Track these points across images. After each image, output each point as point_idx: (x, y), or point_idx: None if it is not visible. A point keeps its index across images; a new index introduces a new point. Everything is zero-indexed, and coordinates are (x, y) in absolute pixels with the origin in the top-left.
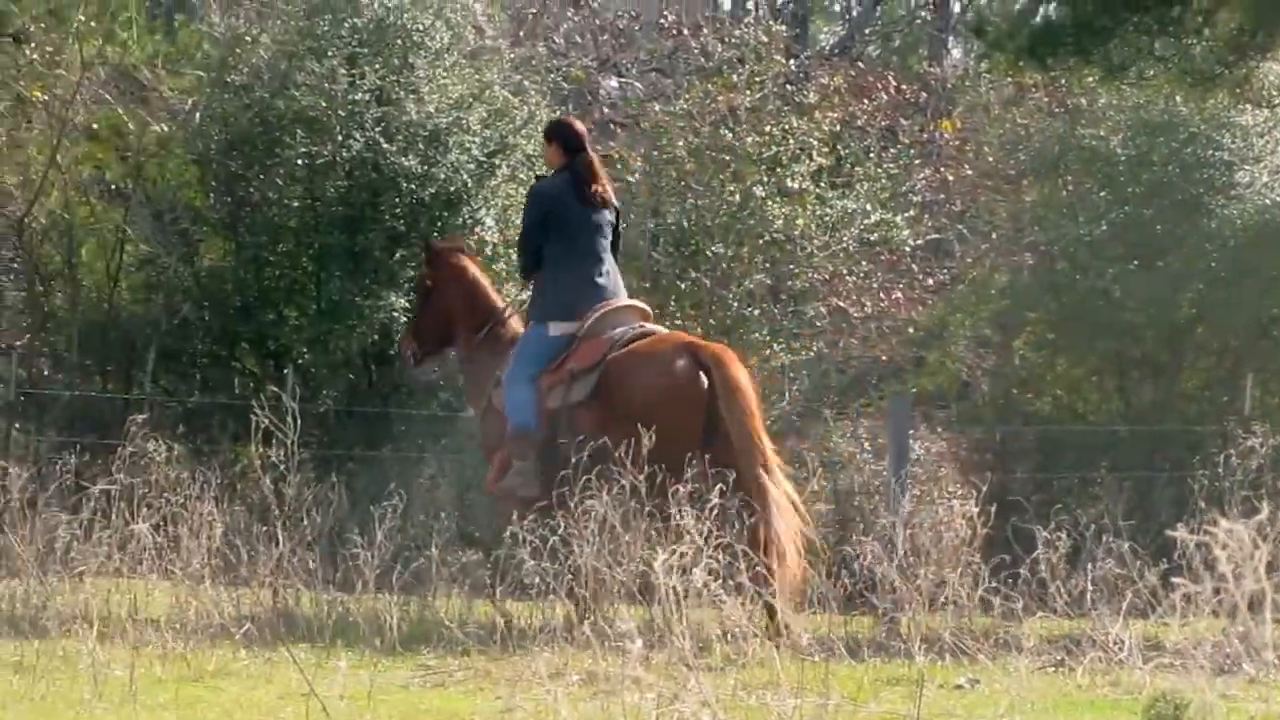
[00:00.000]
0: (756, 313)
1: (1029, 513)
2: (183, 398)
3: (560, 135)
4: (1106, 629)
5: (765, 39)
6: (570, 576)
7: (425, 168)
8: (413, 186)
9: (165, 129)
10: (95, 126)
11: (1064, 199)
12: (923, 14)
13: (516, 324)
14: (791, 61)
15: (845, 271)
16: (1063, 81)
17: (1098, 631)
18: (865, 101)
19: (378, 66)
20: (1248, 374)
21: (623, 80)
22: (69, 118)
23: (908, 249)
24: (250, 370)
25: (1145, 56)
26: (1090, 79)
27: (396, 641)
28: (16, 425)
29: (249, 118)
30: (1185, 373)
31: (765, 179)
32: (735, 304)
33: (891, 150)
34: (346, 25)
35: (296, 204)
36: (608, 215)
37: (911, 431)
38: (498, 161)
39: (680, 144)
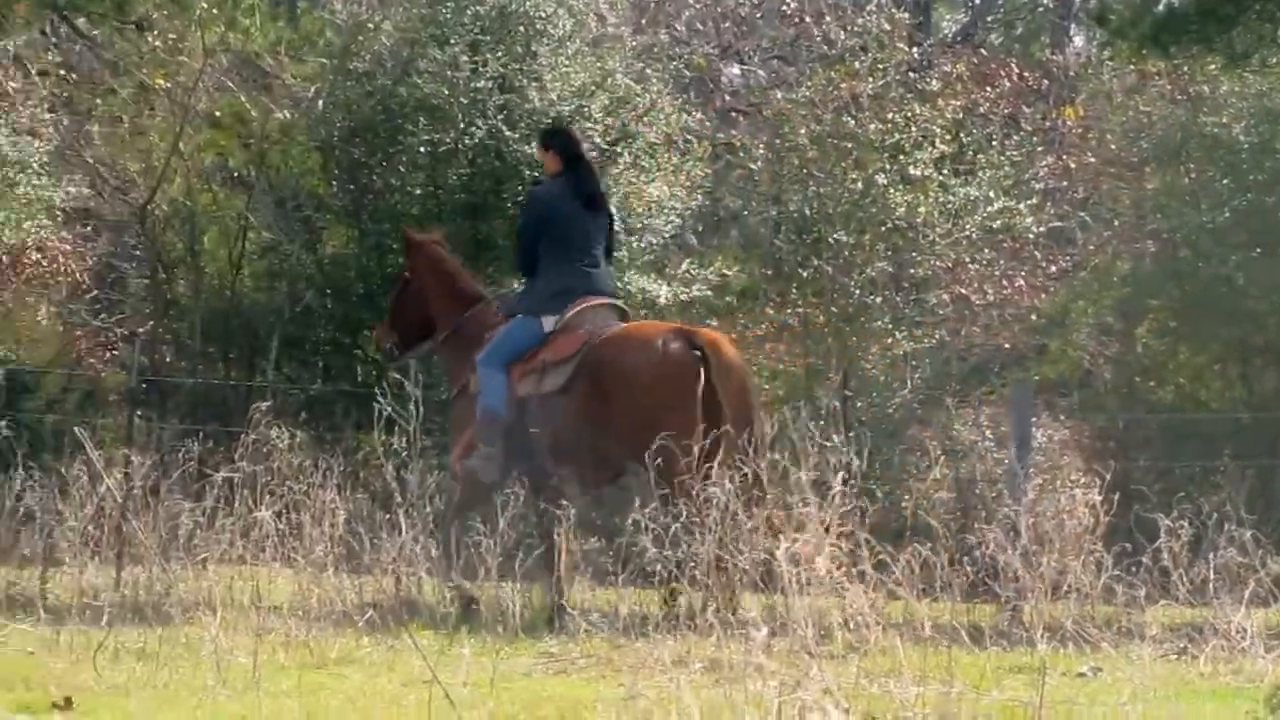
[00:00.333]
0: (878, 300)
1: (1151, 501)
2: (305, 385)
3: (558, 143)
4: (1228, 617)
5: (888, 26)
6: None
7: None
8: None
9: (288, 116)
10: (218, 114)
11: (1186, 186)
12: (1045, 1)
13: (494, 312)
14: (914, 49)
15: (967, 259)
16: (1185, 69)
17: (1220, 620)
18: (988, 89)
19: (500, 54)
20: None
21: (745, 68)
22: (191, 105)
23: (1030, 236)
24: (372, 358)
25: (1268, 44)
26: (1213, 66)
27: (519, 629)
28: (139, 413)
29: (371, 105)
30: None
31: (888, 166)
32: (857, 291)
33: (1014, 138)
34: (469, 12)
35: (419, 191)
36: (603, 220)
37: (1034, 419)
38: (620, 149)
39: (803, 131)
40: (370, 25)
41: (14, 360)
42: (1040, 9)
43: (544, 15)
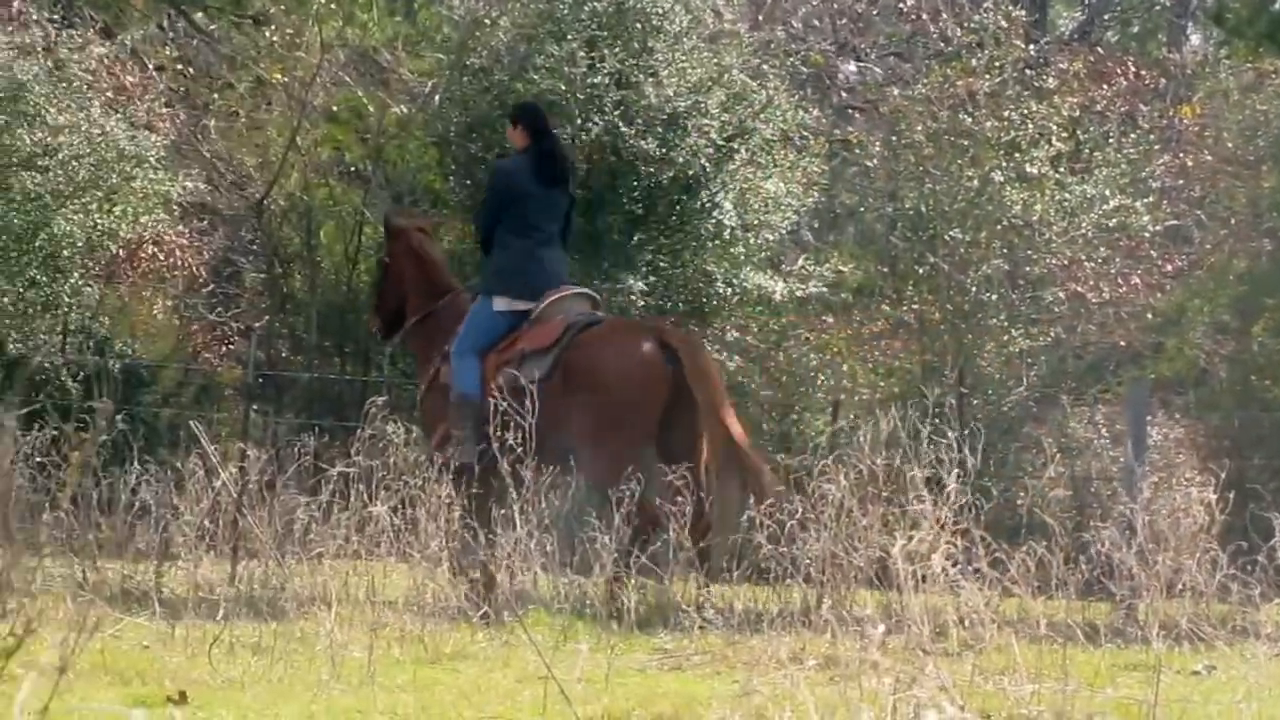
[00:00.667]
0: (994, 298)
1: (1266, 499)
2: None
3: (526, 118)
4: None
5: (1004, 24)
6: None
7: (663, 151)
8: (651, 170)
9: (405, 111)
10: (335, 108)
11: None
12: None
13: (466, 301)
14: (1031, 46)
15: (1084, 257)
16: None
17: None
18: (1104, 87)
19: (617, 50)
20: None
21: (861, 64)
22: (309, 100)
23: (1146, 235)
24: None
25: None
26: None
27: (634, 624)
28: (255, 407)
29: (488, 101)
30: None
31: (1004, 164)
32: (973, 289)
33: (1131, 136)
34: (586, 9)
35: None
36: (562, 198)
37: (1149, 418)
38: (736, 145)
39: (919, 128)
40: (487, 21)
41: (130, 354)
42: (1157, 7)
43: (661, 11)
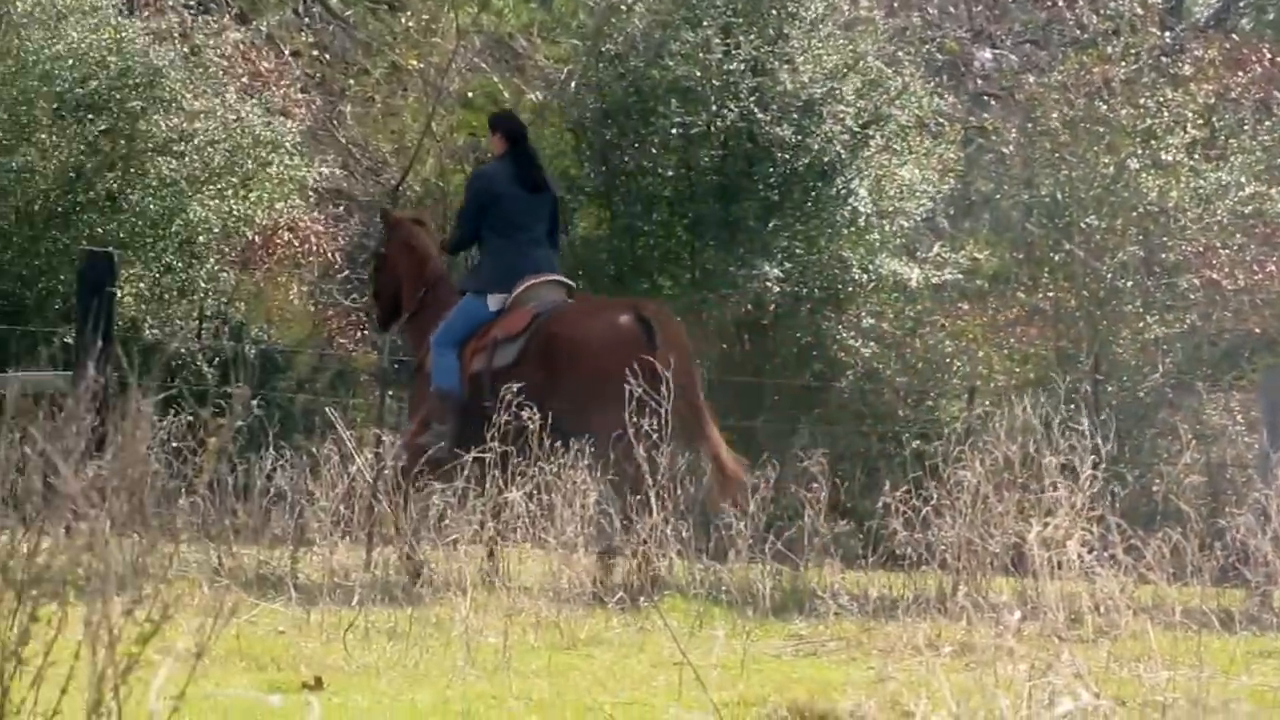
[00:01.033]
0: (1129, 285)
1: None
2: None
3: (504, 126)
4: None
5: (1140, 11)
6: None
7: (799, 138)
8: (786, 156)
9: (540, 97)
10: (470, 95)
11: None
12: None
13: (453, 290)
14: (1166, 34)
15: (1219, 244)
16: None
17: None
18: (1240, 74)
19: (753, 36)
20: None
21: (997, 51)
22: (444, 86)
23: None
24: None
25: None
26: None
27: (769, 610)
28: (390, 393)
29: (623, 87)
30: None
31: (1139, 151)
32: (1108, 276)
33: (1266, 122)
34: None
35: (670, 173)
36: (546, 201)
37: None
38: (871, 132)
39: (1054, 116)
40: (623, 7)
41: (266, 340)
42: None
43: None
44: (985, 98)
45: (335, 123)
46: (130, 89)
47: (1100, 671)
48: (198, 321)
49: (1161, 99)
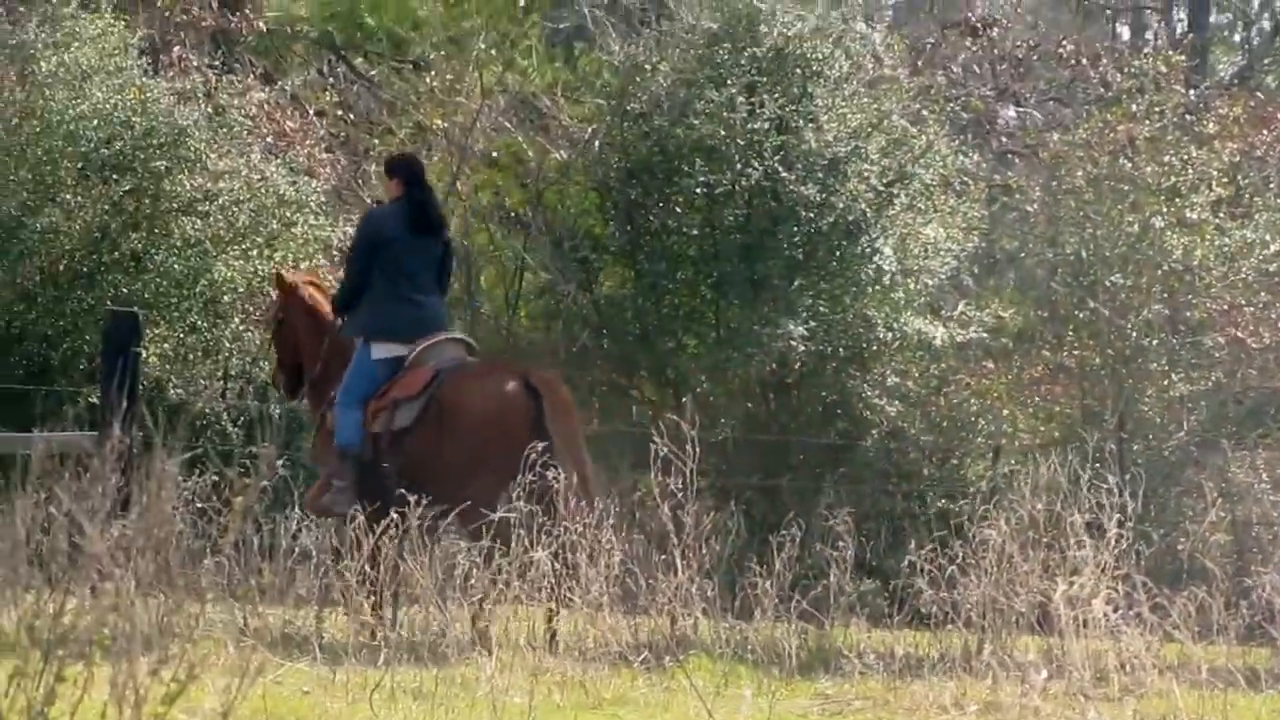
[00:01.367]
0: (1154, 343)
1: None
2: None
3: (402, 170)
4: None
5: (1164, 69)
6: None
7: (824, 196)
8: (811, 215)
9: (565, 156)
10: (495, 154)
11: None
12: None
13: (349, 344)
14: (1191, 91)
15: (1244, 302)
16: None
17: None
18: (1265, 131)
19: (777, 95)
20: None
21: (1021, 110)
22: (469, 145)
23: None
24: (648, 398)
25: None
26: None
27: (794, 670)
28: None
29: (648, 146)
30: None
31: (1164, 209)
32: (1133, 334)
33: None
34: (746, 54)
35: (695, 232)
36: (436, 247)
37: None
38: (896, 190)
39: (1079, 174)
40: (647, 67)
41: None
42: None
43: (820, 57)
44: (1010, 156)
45: (360, 182)
46: (155, 149)
47: None
48: (222, 381)
49: (1186, 157)
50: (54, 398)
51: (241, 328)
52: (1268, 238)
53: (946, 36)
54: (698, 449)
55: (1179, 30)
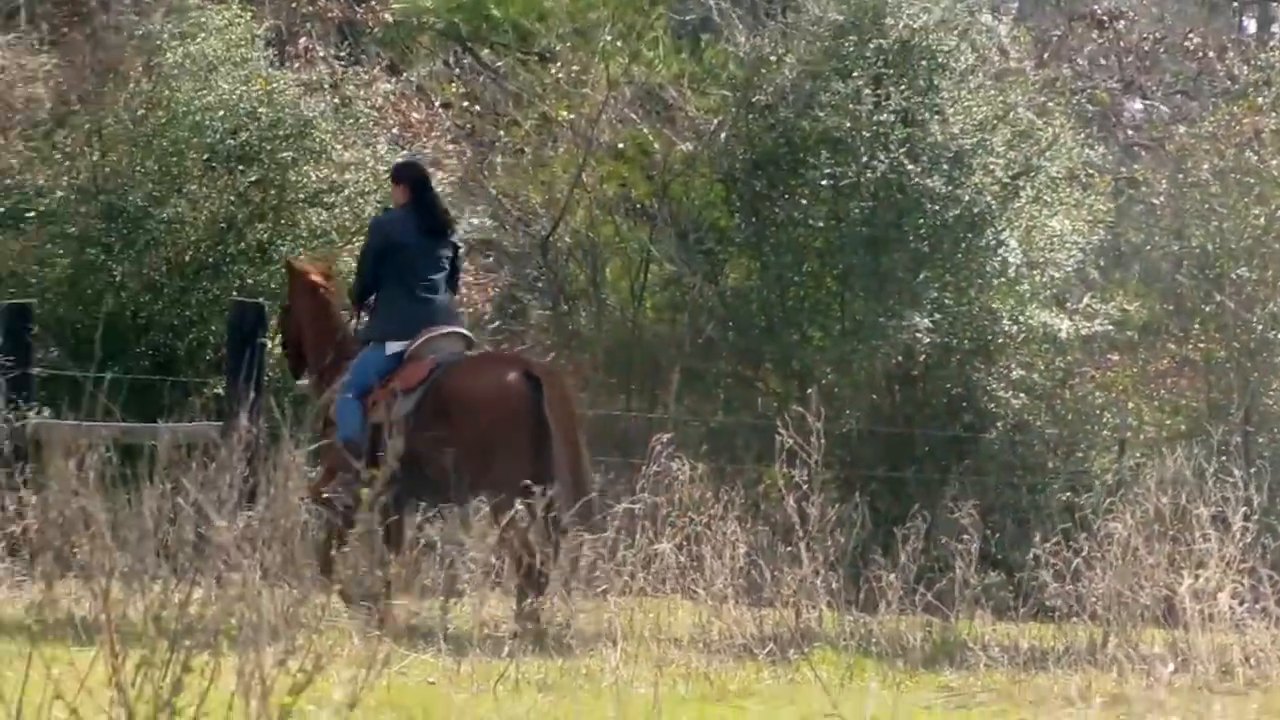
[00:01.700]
0: None
1: None
2: (706, 417)
3: (407, 176)
4: None
5: None
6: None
7: (949, 189)
8: (936, 208)
9: (690, 148)
10: (621, 145)
11: None
12: None
13: (354, 343)
14: None
15: None
16: None
17: None
18: None
19: (903, 87)
20: None
21: (1147, 103)
22: (594, 136)
23: None
24: (773, 390)
25: None
26: None
27: (919, 662)
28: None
29: (774, 138)
30: None
31: None
32: (1259, 327)
33: None
34: (872, 46)
35: (820, 224)
36: (446, 249)
37: None
38: (1022, 183)
39: (1205, 166)
40: (773, 58)
41: None
42: None
43: (946, 49)
44: (1135, 149)
45: (485, 174)
46: (281, 140)
47: None
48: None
49: None
50: (180, 389)
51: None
52: None
53: (1073, 29)
54: (822, 441)
55: None
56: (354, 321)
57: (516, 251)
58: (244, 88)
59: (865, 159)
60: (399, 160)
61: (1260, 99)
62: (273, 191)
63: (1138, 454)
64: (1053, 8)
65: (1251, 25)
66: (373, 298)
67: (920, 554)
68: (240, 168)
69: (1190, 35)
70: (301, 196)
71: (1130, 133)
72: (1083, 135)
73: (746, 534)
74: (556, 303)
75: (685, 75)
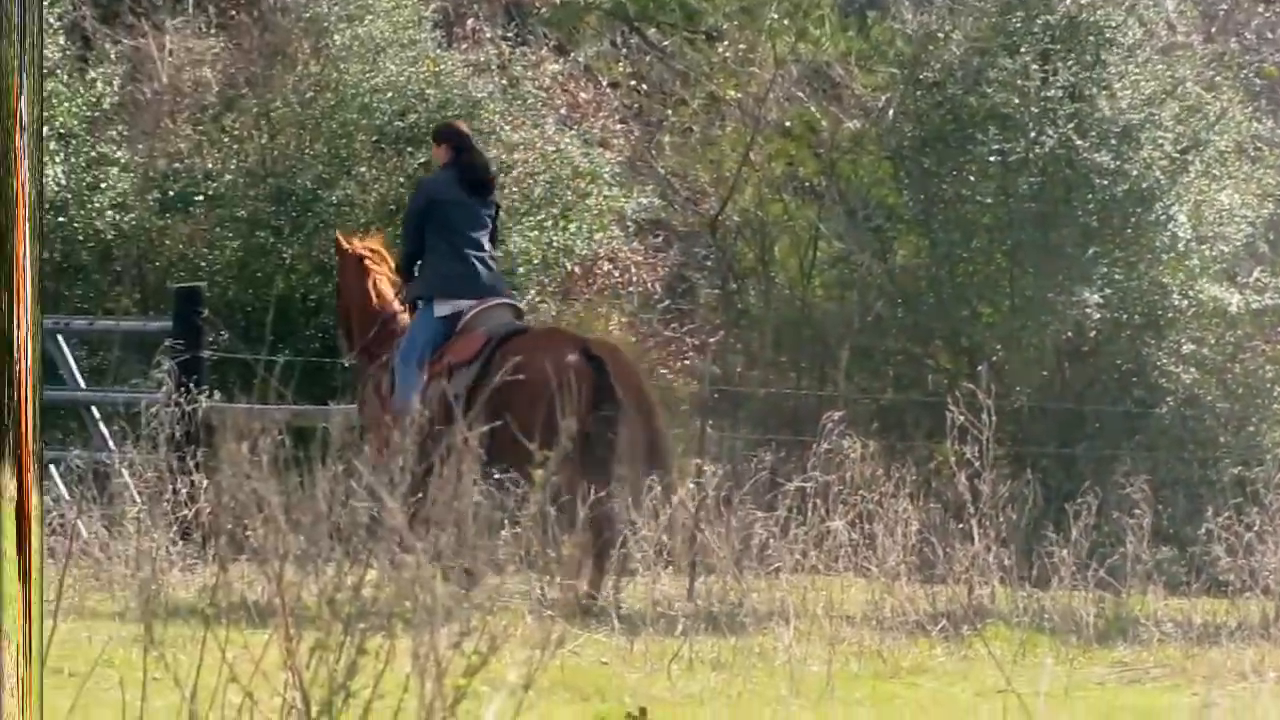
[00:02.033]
0: None
1: None
2: (876, 394)
3: (450, 138)
4: None
5: None
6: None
7: (1118, 164)
8: (1105, 183)
9: (858, 126)
10: (788, 124)
11: None
12: None
13: (401, 325)
14: None
15: None
16: None
17: None
18: None
19: (1070, 63)
20: None
21: None
22: (762, 115)
23: None
24: (944, 367)
25: None
26: None
27: (1092, 638)
28: (711, 422)
29: (941, 114)
30: None
31: None
32: None
33: None
34: (1039, 21)
35: (989, 200)
36: (488, 208)
37: None
38: (1190, 158)
39: None
40: (940, 35)
41: None
42: None
43: (1114, 24)
44: None
45: (653, 153)
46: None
47: None
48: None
49: None
50: (352, 371)
51: (537, 299)
52: None
53: (1240, 3)
54: (993, 417)
55: None
56: (401, 294)
57: (685, 230)
58: (412, 69)
59: (1033, 135)
60: (440, 124)
61: None
62: None
63: None
64: None
65: None
66: (417, 265)
67: (1092, 530)
68: (409, 149)
69: None
70: None
71: None
72: (1251, 109)
73: (918, 511)
74: (725, 282)
75: (852, 53)
